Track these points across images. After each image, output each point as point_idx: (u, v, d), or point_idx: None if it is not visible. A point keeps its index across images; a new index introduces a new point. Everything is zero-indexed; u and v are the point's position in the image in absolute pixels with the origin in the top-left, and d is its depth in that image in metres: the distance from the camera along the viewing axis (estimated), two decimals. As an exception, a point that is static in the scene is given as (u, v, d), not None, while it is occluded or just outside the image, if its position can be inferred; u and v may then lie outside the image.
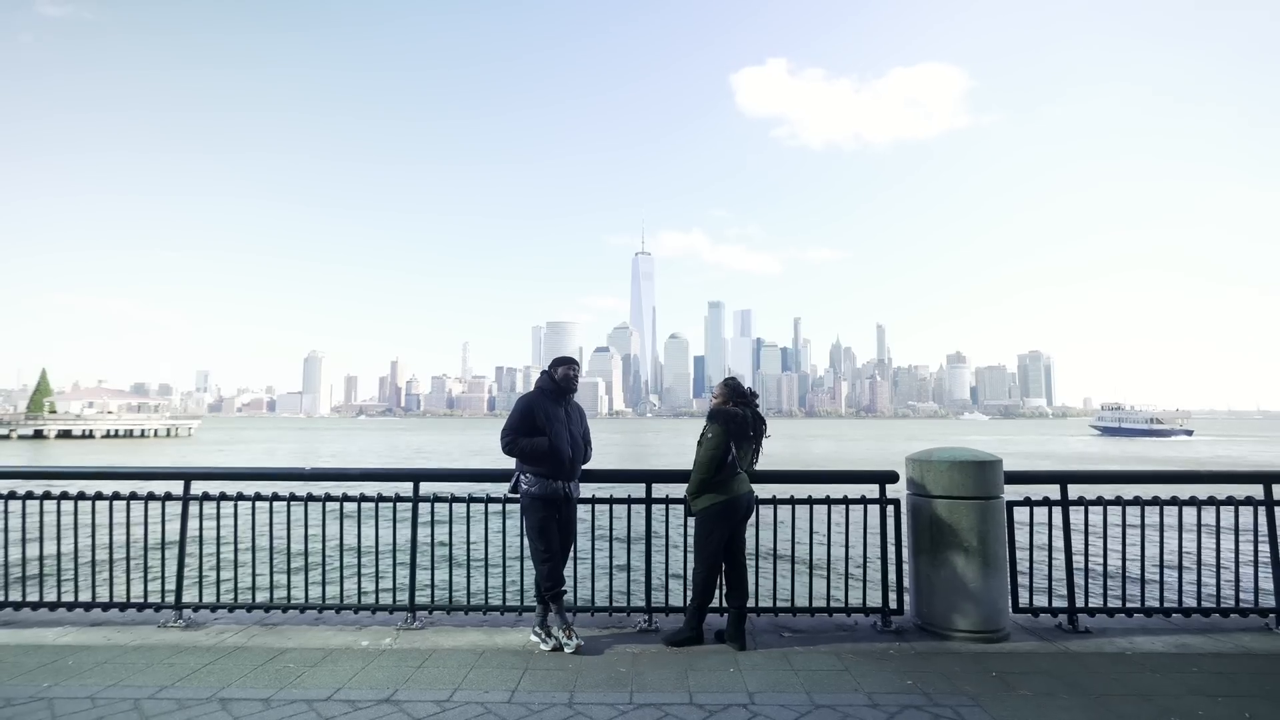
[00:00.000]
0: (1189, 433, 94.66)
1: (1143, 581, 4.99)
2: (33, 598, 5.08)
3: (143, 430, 77.53)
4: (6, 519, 5.04)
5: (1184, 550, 4.90)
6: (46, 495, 5.08)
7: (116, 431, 75.09)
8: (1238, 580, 5.01)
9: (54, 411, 76.06)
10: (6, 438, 66.81)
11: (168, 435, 79.91)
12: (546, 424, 4.62)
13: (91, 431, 72.91)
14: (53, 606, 5.00)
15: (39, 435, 69.00)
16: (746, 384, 4.78)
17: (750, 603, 4.81)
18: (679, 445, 62.17)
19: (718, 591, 4.70)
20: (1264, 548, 4.94)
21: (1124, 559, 5.01)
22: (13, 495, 5.09)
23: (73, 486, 5.16)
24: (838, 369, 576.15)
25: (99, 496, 5.11)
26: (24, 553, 5.02)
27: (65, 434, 70.91)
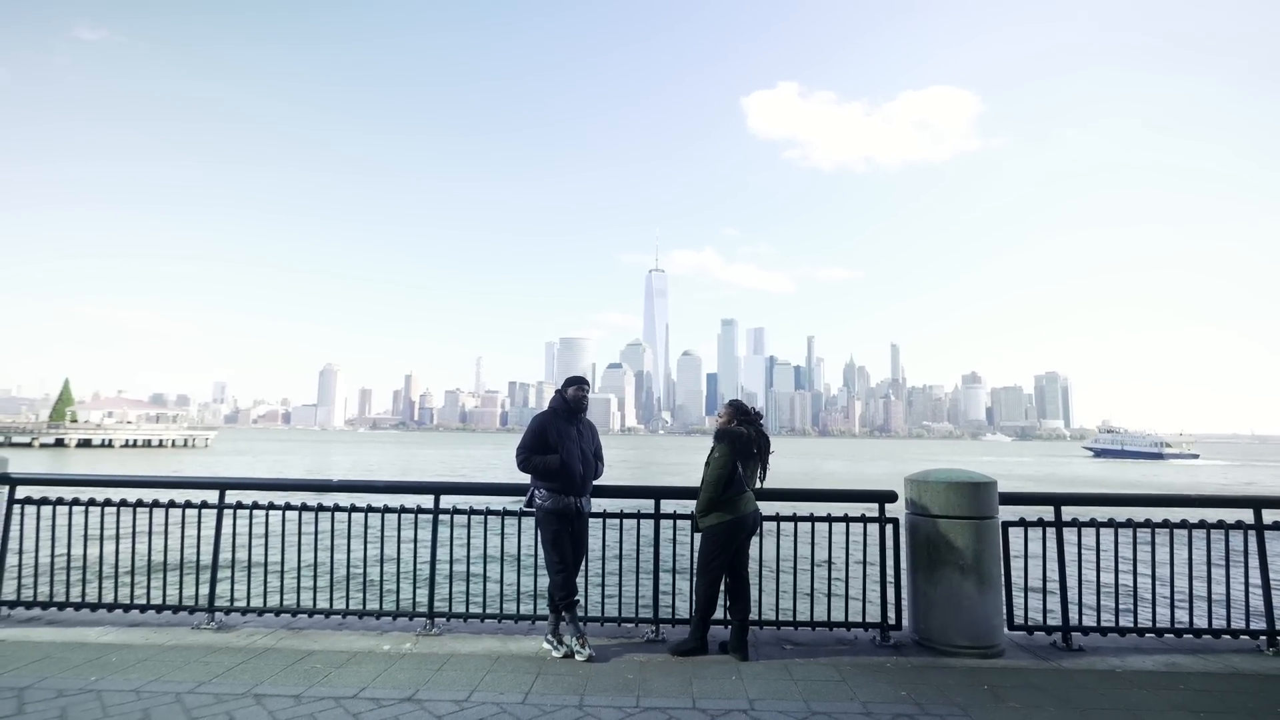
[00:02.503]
0: (1194, 456, 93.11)
1: (1135, 602, 5.14)
2: (75, 598, 5.39)
3: (160, 440, 78.53)
4: (54, 524, 5.36)
5: (1176, 572, 5.03)
6: (91, 502, 5.40)
7: (135, 441, 76.17)
8: (1229, 602, 5.16)
9: (75, 421, 77.40)
10: (29, 445, 67.99)
11: (185, 445, 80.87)
12: (559, 442, 4.88)
13: (111, 441, 74.03)
14: (94, 607, 5.30)
15: (60, 444, 70.18)
16: (759, 402, 5.12)
17: (753, 616, 5.02)
18: (690, 463, 62.13)
19: (722, 605, 4.92)
20: (1255, 570, 5.08)
21: (1117, 580, 5.17)
22: (60, 501, 5.42)
23: (115, 494, 5.48)
24: (851, 388, 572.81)
25: (139, 504, 5.42)
26: (69, 556, 5.33)
27: (85, 443, 72.03)
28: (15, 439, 69.94)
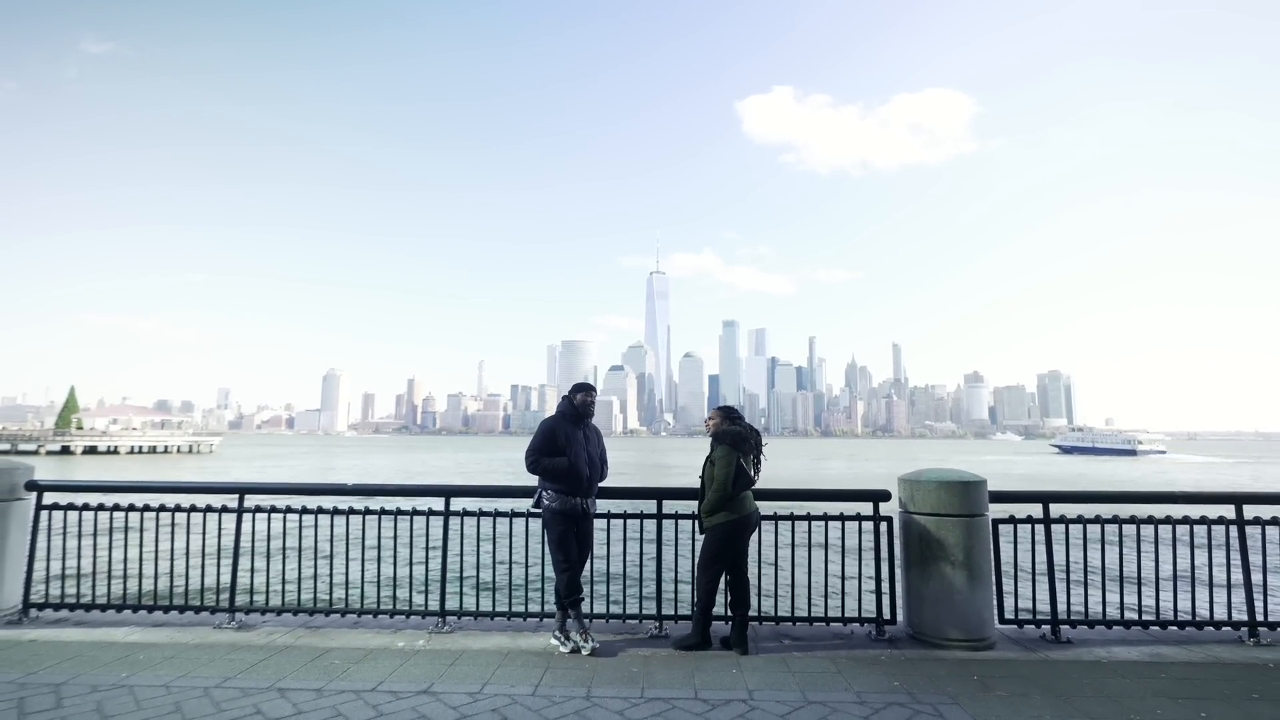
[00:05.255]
0: (1162, 452, 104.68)
1: (1122, 596, 5.33)
2: (101, 600, 5.60)
3: (165, 446, 78.94)
4: (79, 528, 5.58)
5: (1161, 566, 5.23)
6: (116, 507, 5.62)
7: (140, 448, 76.56)
8: (1212, 595, 5.34)
9: (80, 428, 77.84)
10: (35, 453, 68.29)
11: (190, 452, 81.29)
12: (567, 445, 5.09)
13: (116, 448, 74.40)
14: (119, 608, 5.52)
15: (66, 451, 70.58)
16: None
17: (753, 612, 5.22)
18: (693, 465, 62.31)
19: (723, 602, 5.12)
20: (1237, 563, 5.26)
21: (1104, 574, 5.36)
22: (85, 507, 5.64)
23: (138, 499, 5.70)
24: (853, 388, 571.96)
25: (162, 509, 5.64)
26: (95, 559, 5.56)
27: (91, 450, 72.43)
28: (21, 447, 70.29)
